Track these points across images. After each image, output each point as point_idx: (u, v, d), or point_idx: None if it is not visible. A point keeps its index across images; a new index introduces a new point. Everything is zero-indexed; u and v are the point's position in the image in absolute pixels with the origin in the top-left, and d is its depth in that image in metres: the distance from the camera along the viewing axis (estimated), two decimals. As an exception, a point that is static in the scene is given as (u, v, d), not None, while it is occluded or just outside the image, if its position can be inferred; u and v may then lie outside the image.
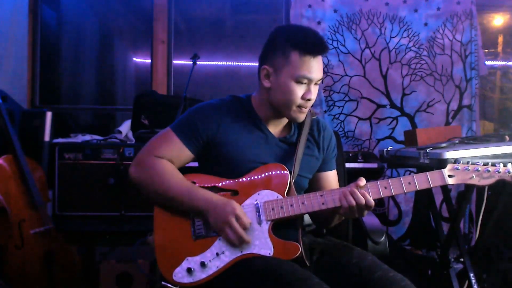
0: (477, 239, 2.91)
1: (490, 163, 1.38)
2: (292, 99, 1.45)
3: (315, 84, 1.47)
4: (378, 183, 1.39)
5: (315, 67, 1.44)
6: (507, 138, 2.19)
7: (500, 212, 2.48)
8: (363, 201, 1.35)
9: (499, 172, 1.37)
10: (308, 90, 1.45)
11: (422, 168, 2.91)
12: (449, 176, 1.38)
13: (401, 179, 1.38)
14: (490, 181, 1.37)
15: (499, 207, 2.45)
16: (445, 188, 2.51)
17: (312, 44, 1.43)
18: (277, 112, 1.51)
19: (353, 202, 1.35)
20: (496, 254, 2.78)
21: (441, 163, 1.93)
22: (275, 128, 1.56)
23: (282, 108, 1.48)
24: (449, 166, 1.39)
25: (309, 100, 1.46)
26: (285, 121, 1.58)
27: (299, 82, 1.44)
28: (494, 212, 2.47)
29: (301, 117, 1.50)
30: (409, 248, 3.27)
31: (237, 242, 1.36)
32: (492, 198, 2.60)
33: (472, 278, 2.33)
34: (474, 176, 1.37)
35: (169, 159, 1.48)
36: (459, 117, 3.68)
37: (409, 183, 1.37)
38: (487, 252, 2.78)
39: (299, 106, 1.46)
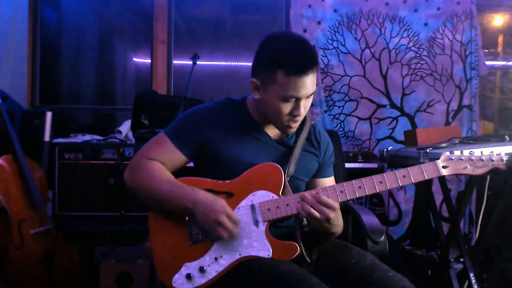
0: (477, 239, 2.91)
1: (482, 152, 1.36)
2: (279, 116, 1.42)
3: (307, 98, 1.41)
4: (373, 178, 1.38)
5: (303, 85, 1.36)
6: (507, 138, 2.19)
7: (500, 212, 2.48)
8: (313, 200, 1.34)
9: (492, 161, 1.36)
10: (296, 107, 1.40)
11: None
12: (443, 167, 1.36)
13: (396, 172, 1.37)
14: (484, 170, 1.36)
15: (499, 207, 2.45)
16: (445, 188, 2.52)
17: (298, 63, 1.35)
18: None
19: (308, 208, 1.34)
20: (496, 254, 2.78)
21: (441, 163, 1.92)
22: (273, 130, 1.53)
23: (271, 121, 1.48)
24: (442, 157, 1.37)
25: (297, 116, 1.42)
26: None
27: (285, 100, 1.39)
28: (494, 212, 2.47)
29: (290, 131, 1.48)
30: (409, 248, 3.27)
31: (228, 238, 1.36)
32: (492, 198, 2.60)
33: (472, 278, 2.33)
34: (468, 166, 1.36)
35: (161, 161, 1.47)
36: (459, 117, 3.68)
37: (404, 176, 1.36)
38: (487, 252, 2.78)
39: (287, 122, 1.44)
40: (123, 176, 1.49)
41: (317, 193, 1.39)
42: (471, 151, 1.37)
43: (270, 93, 1.39)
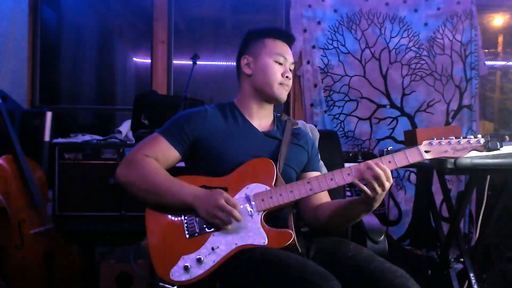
0: (477, 239, 2.91)
1: (461, 137, 1.44)
2: (273, 76, 1.59)
3: (290, 66, 1.63)
4: (360, 165, 1.41)
5: (288, 51, 1.63)
6: (507, 138, 2.18)
7: (500, 212, 2.48)
8: (380, 172, 1.35)
9: (470, 143, 1.42)
10: (286, 69, 1.61)
11: (422, 168, 2.92)
12: (426, 151, 1.43)
13: (382, 158, 1.41)
14: (464, 152, 1.43)
15: (499, 207, 2.45)
16: (445, 188, 2.52)
17: (282, 32, 1.66)
18: (261, 102, 1.63)
19: (370, 176, 1.35)
20: (496, 254, 2.79)
21: (441, 163, 1.93)
22: (260, 122, 1.64)
23: (266, 88, 1.60)
24: (424, 143, 1.44)
25: (288, 78, 1.60)
26: (268, 116, 1.68)
27: (276, 61, 1.60)
28: (494, 212, 2.47)
29: (284, 94, 1.62)
30: (409, 248, 3.27)
31: (231, 222, 1.39)
32: (492, 198, 2.61)
33: (472, 278, 2.33)
34: (448, 149, 1.43)
35: (155, 158, 1.53)
36: (459, 117, 3.68)
37: (389, 161, 1.41)
38: (487, 252, 2.78)
39: (281, 84, 1.59)
40: (115, 174, 1.53)
41: (308, 182, 1.44)
42: (450, 137, 1.45)
43: (262, 59, 1.61)
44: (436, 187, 2.96)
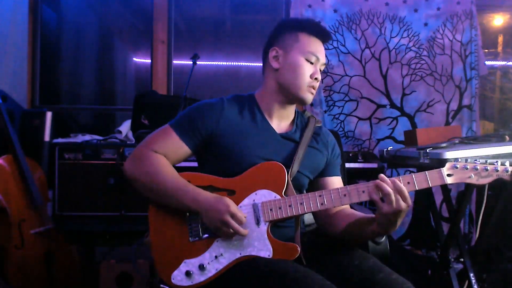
0: (477, 239, 2.91)
1: (488, 162, 1.36)
2: (302, 76, 1.48)
3: (321, 67, 1.53)
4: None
5: (322, 49, 1.52)
6: (507, 138, 2.19)
7: (500, 212, 2.48)
8: (390, 190, 1.28)
9: (497, 171, 1.35)
10: (316, 70, 1.50)
11: (422, 168, 2.90)
12: (448, 175, 1.35)
13: (400, 178, 1.35)
14: (488, 180, 1.36)
15: (499, 207, 2.45)
16: (445, 188, 2.52)
17: (318, 29, 1.53)
18: (283, 101, 1.53)
19: (389, 190, 1.28)
20: (496, 254, 2.79)
21: (441, 163, 1.92)
22: (278, 123, 1.55)
23: (292, 87, 1.50)
24: (447, 165, 1.36)
25: (316, 79, 1.50)
26: (289, 116, 1.58)
27: (308, 60, 1.49)
28: (494, 212, 2.47)
29: (310, 97, 1.52)
30: (409, 248, 3.27)
31: (234, 235, 1.36)
32: (492, 198, 2.61)
33: (472, 278, 2.33)
34: (472, 175, 1.35)
35: (165, 154, 1.46)
36: (459, 117, 3.68)
37: (408, 182, 1.34)
38: (487, 252, 2.78)
39: (308, 86, 1.49)
40: (123, 167, 1.47)
41: (320, 196, 1.37)
42: (475, 160, 1.36)
43: (293, 54, 1.50)
44: (436, 187, 2.96)
